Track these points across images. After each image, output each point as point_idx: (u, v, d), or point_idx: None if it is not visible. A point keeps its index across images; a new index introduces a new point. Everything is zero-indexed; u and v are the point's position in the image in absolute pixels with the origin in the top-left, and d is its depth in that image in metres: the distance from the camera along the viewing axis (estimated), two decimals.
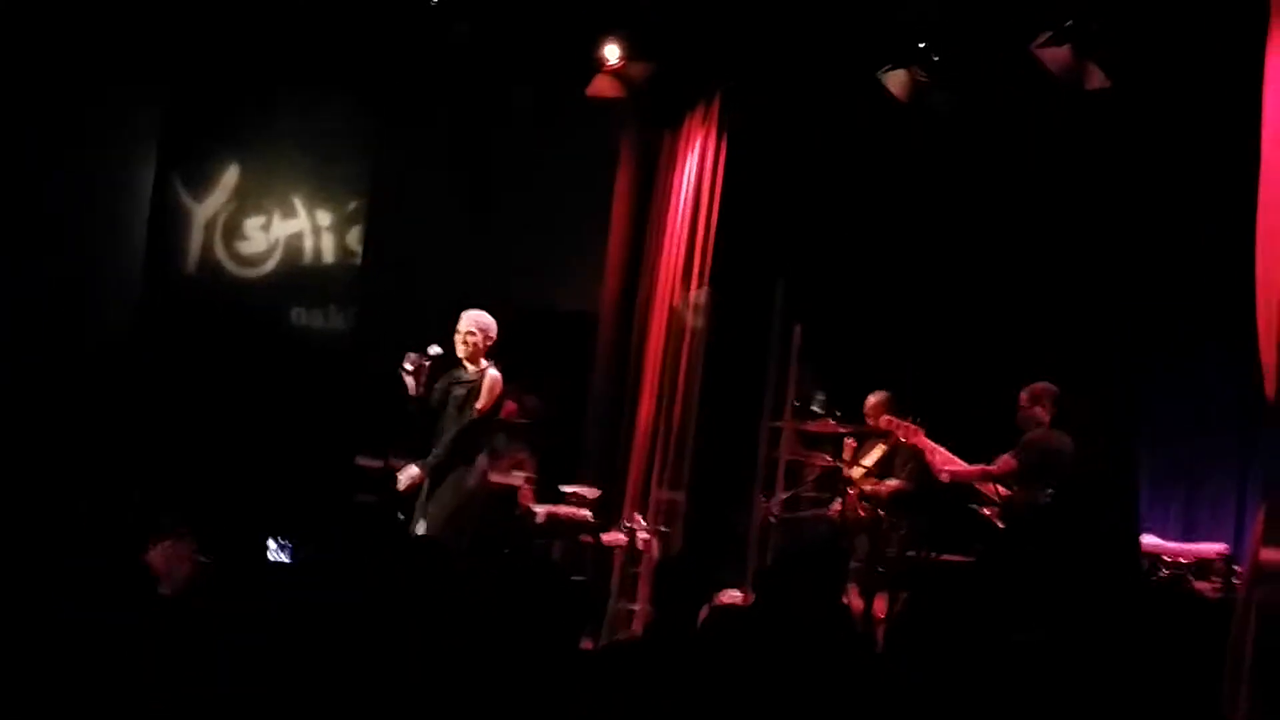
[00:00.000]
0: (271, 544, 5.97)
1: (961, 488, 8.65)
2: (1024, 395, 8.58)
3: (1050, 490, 8.19)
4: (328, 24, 10.11)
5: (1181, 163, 9.15)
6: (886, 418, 8.99)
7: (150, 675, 3.49)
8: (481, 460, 8.53)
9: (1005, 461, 8.50)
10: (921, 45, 9.06)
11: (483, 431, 8.55)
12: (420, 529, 8.34)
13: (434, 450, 8.44)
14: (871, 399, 9.32)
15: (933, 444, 8.66)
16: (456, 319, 8.64)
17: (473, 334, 8.49)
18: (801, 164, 10.20)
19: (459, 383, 8.52)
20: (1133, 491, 8.40)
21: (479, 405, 8.44)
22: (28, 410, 9.54)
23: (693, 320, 9.82)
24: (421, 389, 8.47)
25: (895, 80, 9.20)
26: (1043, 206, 9.73)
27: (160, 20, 10.17)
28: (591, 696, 4.55)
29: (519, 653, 4.55)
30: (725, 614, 5.24)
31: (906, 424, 8.76)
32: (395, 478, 8.46)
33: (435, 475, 8.40)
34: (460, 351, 8.50)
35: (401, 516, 8.51)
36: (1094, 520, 8.14)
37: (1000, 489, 8.50)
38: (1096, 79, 8.40)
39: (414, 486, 8.42)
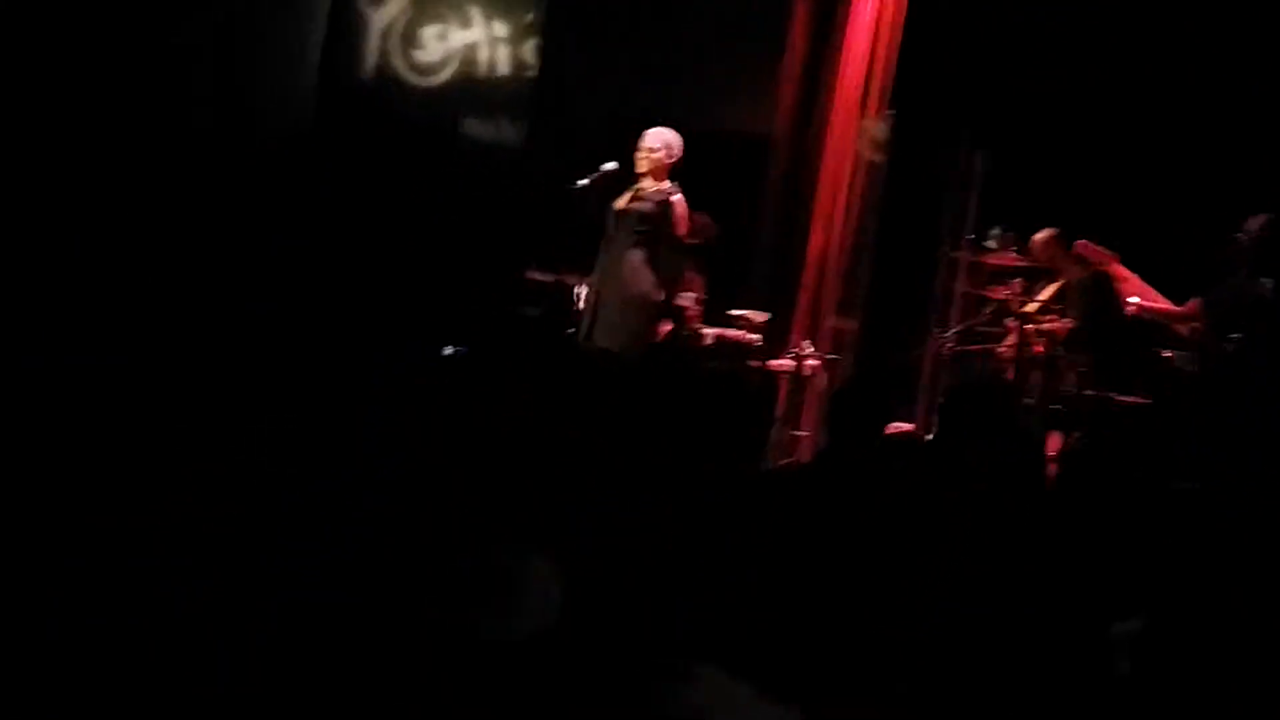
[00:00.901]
0: (447, 350, 6.01)
1: (1145, 326, 8.37)
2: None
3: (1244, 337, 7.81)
4: None
5: None
6: (1080, 241, 8.69)
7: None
8: (652, 277, 8.48)
9: (1193, 305, 8.13)
10: None
11: (681, 251, 8.51)
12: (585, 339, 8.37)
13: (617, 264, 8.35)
14: (1039, 236, 9.07)
15: (1127, 271, 8.35)
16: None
17: (655, 150, 8.42)
18: None
19: (640, 199, 8.45)
20: None
21: (678, 230, 8.37)
22: (206, 217, 9.65)
23: (871, 145, 9.60)
24: (596, 202, 8.43)
25: None
26: (1247, 40, 9.31)
27: None
28: (763, 518, 4.52)
29: (697, 468, 4.53)
30: (899, 442, 5.16)
31: (1102, 250, 8.48)
32: (567, 289, 8.47)
33: (608, 287, 8.38)
34: (642, 167, 8.43)
35: (570, 330, 8.52)
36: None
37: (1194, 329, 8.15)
38: None
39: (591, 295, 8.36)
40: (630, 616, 2.79)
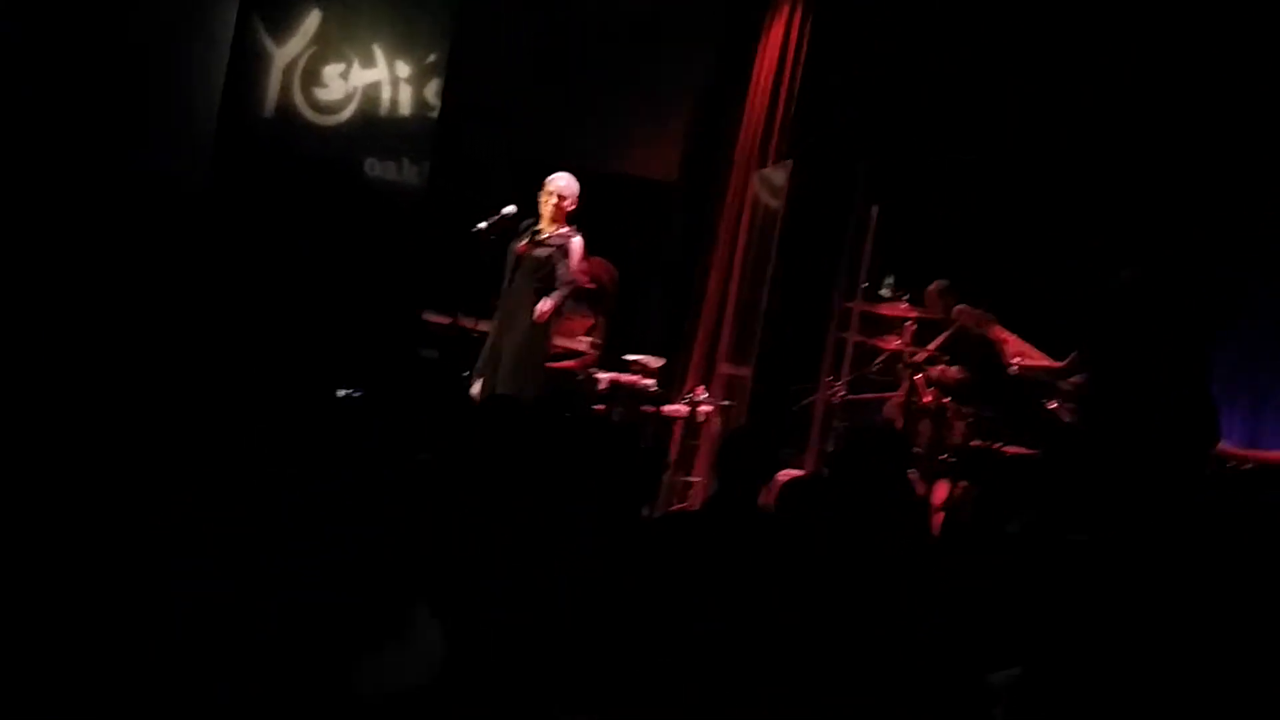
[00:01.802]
0: (340, 393, 6.02)
1: (1032, 379, 8.51)
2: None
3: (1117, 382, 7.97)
4: None
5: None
6: (959, 307, 8.87)
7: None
8: (553, 322, 8.53)
9: (1073, 361, 8.29)
10: None
11: (572, 295, 8.58)
12: (477, 388, 8.39)
13: (556, 291, 8.40)
14: (932, 286, 9.22)
15: (1006, 333, 8.51)
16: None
17: (554, 195, 8.48)
18: (889, 40, 10.02)
19: (538, 244, 8.50)
20: (1206, 397, 8.21)
21: (574, 272, 8.45)
22: (101, 247, 9.58)
23: (769, 195, 9.72)
24: (493, 243, 8.47)
25: None
26: (1136, 93, 9.52)
27: None
28: (651, 563, 4.56)
29: (582, 514, 4.57)
30: (796, 486, 5.21)
31: (980, 312, 8.63)
32: (464, 332, 8.50)
33: (505, 330, 8.41)
34: (547, 210, 8.48)
35: (466, 374, 8.54)
36: (1162, 425, 7.99)
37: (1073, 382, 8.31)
38: None
39: (546, 315, 8.39)
40: (513, 668, 2.81)
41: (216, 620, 2.63)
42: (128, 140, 10.17)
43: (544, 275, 8.46)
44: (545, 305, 8.36)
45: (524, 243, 8.52)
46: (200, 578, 2.74)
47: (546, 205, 8.51)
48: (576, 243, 8.51)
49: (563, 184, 8.54)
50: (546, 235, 8.52)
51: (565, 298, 8.53)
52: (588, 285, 9.16)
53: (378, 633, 2.70)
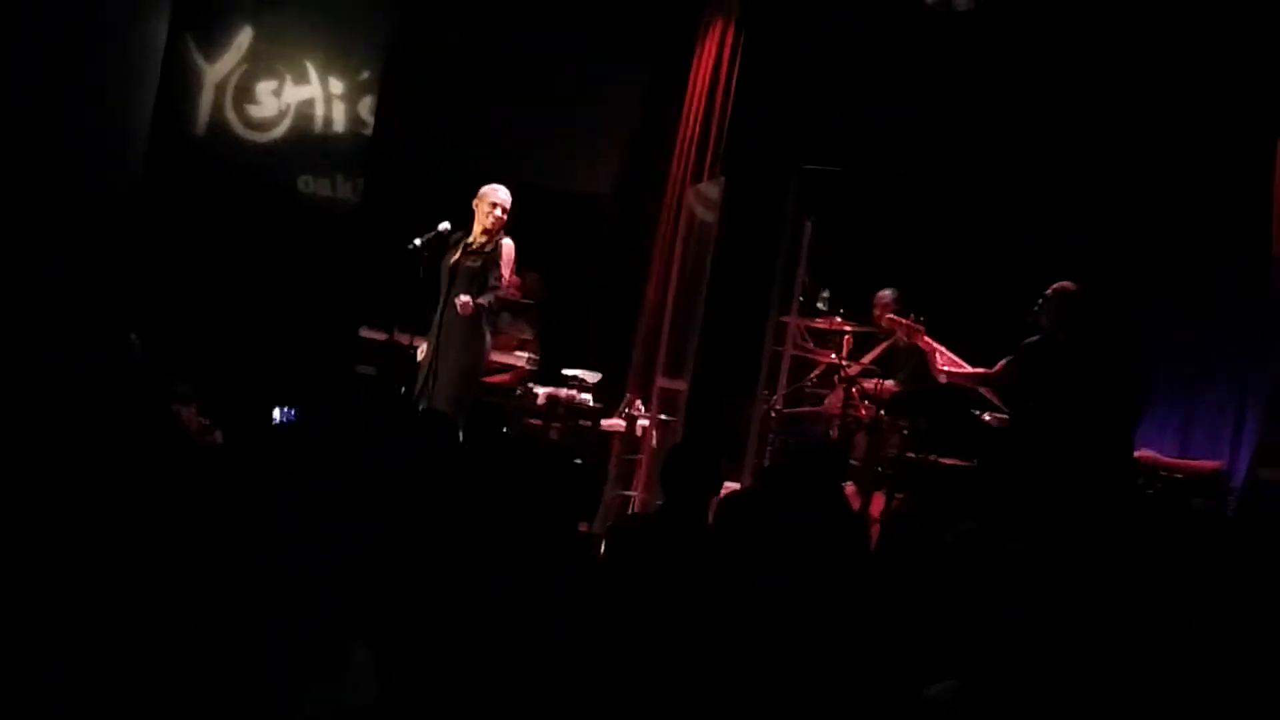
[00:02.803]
0: (276, 412, 5.98)
1: (965, 390, 8.57)
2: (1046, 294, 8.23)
3: (1046, 395, 8.05)
4: None
5: (1200, 71, 9.09)
6: (890, 316, 8.93)
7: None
8: (486, 334, 8.51)
9: (1003, 367, 8.32)
10: None
11: (503, 304, 8.57)
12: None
13: (486, 295, 8.38)
14: (881, 296, 9.27)
15: (934, 344, 8.57)
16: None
17: (504, 207, 8.47)
18: (819, 56, 10.10)
19: (471, 254, 8.48)
20: (1134, 405, 8.32)
21: (504, 275, 8.44)
22: (31, 264, 9.49)
23: (703, 210, 9.75)
24: (430, 260, 8.44)
25: None
26: (1059, 109, 9.64)
27: None
28: (594, 578, 4.57)
29: (520, 530, 4.57)
30: (734, 500, 5.24)
31: (909, 322, 8.69)
32: (401, 348, 8.47)
33: (441, 345, 8.37)
34: (485, 222, 8.46)
35: (402, 389, 8.51)
36: (1089, 431, 8.08)
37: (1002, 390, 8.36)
38: None
39: (469, 307, 8.35)
40: (449, 694, 2.81)
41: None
42: (59, 155, 10.07)
43: (479, 285, 8.43)
44: (465, 299, 8.28)
45: (456, 255, 8.49)
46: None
47: (488, 216, 8.48)
48: (507, 245, 8.48)
49: (504, 195, 8.53)
50: (477, 245, 8.50)
51: (495, 300, 8.46)
52: (516, 296, 9.15)
53: (313, 663, 2.69)
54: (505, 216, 8.51)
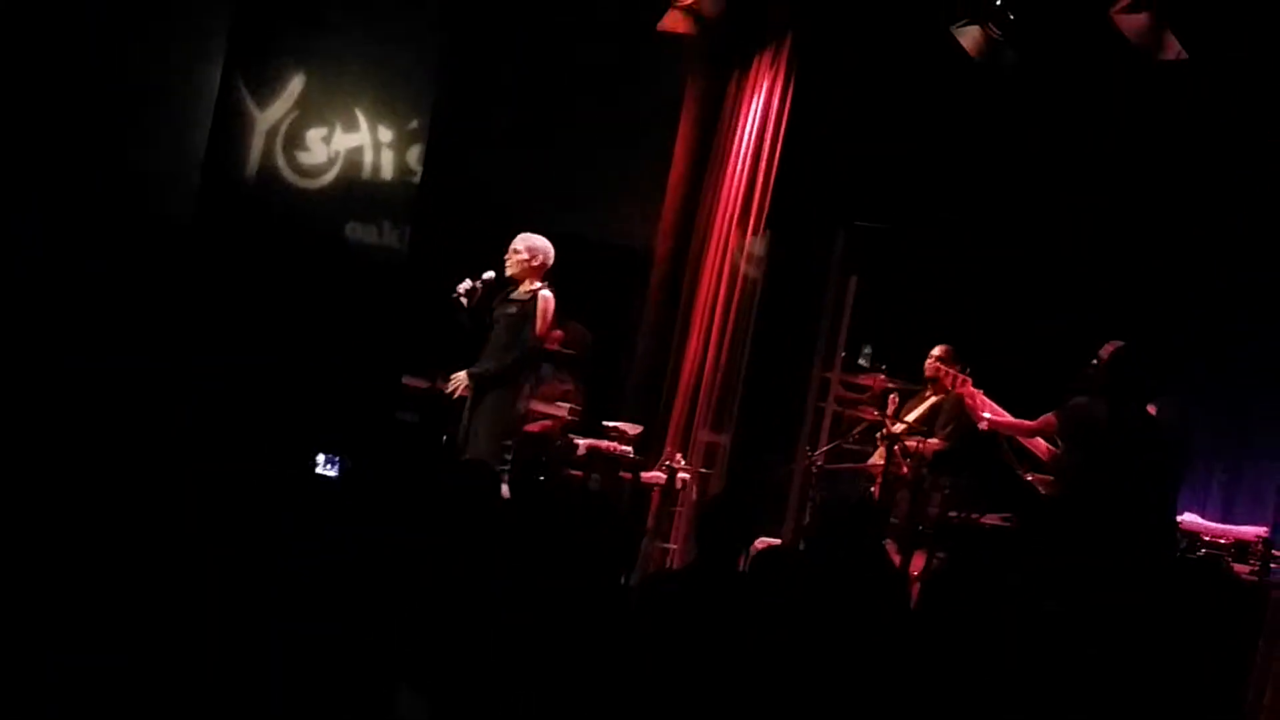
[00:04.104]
0: (320, 458, 6.00)
1: (1003, 448, 8.52)
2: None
3: (1089, 457, 7.99)
4: None
5: (1251, 140, 9.08)
6: (936, 364, 8.89)
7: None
8: (526, 383, 8.52)
9: (1047, 420, 8.24)
10: (998, 2, 9.01)
11: (536, 355, 8.54)
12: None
13: (485, 362, 8.42)
14: (935, 351, 9.22)
15: (977, 392, 8.52)
16: (509, 242, 8.66)
17: (519, 252, 8.48)
18: (868, 113, 10.13)
19: (510, 302, 8.52)
20: (1176, 469, 8.26)
21: (537, 328, 8.44)
22: (83, 308, 9.57)
23: (747, 263, 9.77)
24: (472, 308, 8.48)
25: (968, 35, 9.15)
26: (1106, 170, 9.65)
27: None
28: (631, 629, 4.57)
29: (561, 581, 4.57)
30: (771, 555, 5.24)
31: (954, 372, 8.66)
32: (442, 393, 8.49)
33: (479, 392, 8.39)
34: (509, 269, 8.50)
35: (445, 437, 8.53)
36: (1132, 493, 8.03)
37: (1046, 448, 8.29)
38: (1173, 50, 8.33)
39: (461, 393, 8.40)
40: None
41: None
42: (112, 196, 10.16)
43: (515, 334, 8.46)
44: (459, 375, 8.39)
45: (498, 302, 8.55)
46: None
47: (510, 264, 8.53)
48: (545, 298, 8.49)
49: (526, 243, 8.55)
50: (516, 294, 8.54)
51: (523, 359, 8.45)
52: (553, 349, 9.17)
53: (362, 711, 2.70)
54: (534, 262, 8.49)
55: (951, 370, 8.70)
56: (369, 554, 3.91)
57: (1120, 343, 7.96)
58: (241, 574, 3.48)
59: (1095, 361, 7.94)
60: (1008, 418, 8.45)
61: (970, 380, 8.58)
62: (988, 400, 8.50)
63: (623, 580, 5.51)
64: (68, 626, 2.67)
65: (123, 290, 9.91)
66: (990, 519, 8.44)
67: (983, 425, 8.41)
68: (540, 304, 8.47)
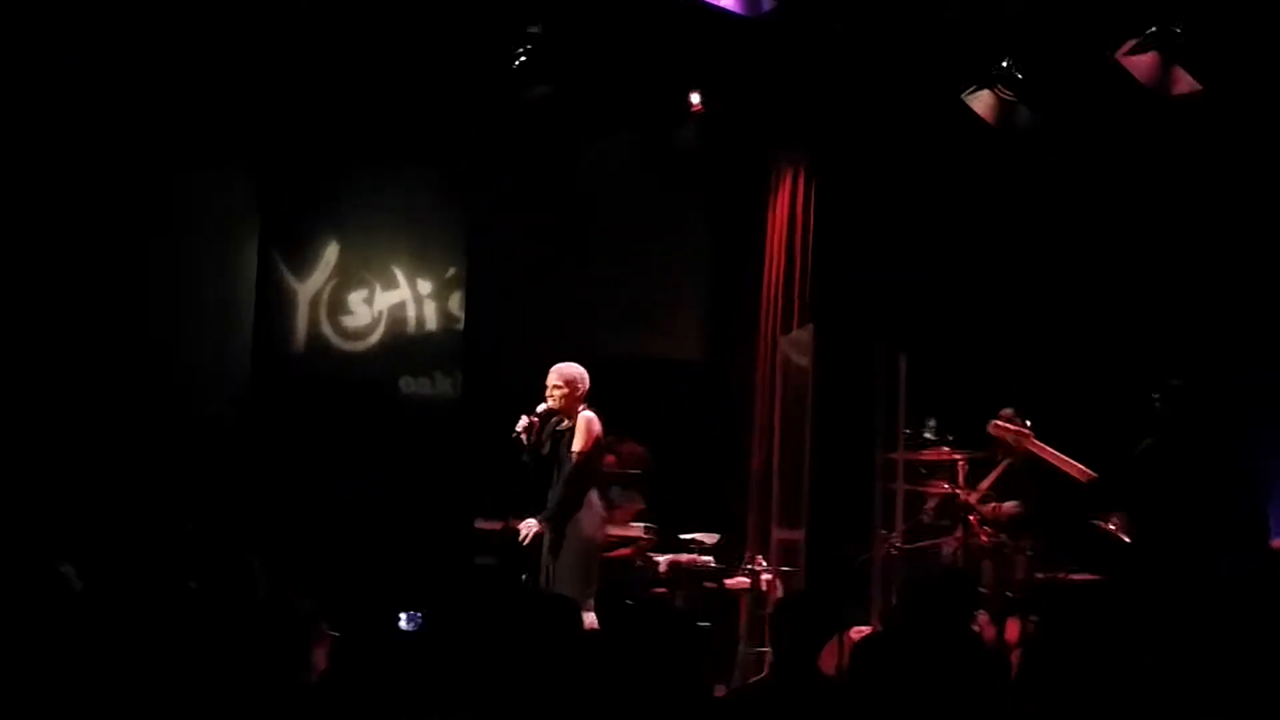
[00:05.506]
0: (403, 617, 6.01)
1: (1080, 502, 8.48)
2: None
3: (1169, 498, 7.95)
4: (411, 95, 10.30)
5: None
6: (996, 424, 8.86)
7: None
8: (597, 509, 8.53)
9: (1121, 470, 8.19)
10: (1004, 63, 9.07)
11: (589, 475, 8.53)
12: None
13: (549, 504, 8.47)
14: (1004, 413, 9.18)
15: (1043, 445, 8.48)
16: None
17: (558, 386, 8.50)
18: (893, 195, 10.22)
19: (558, 431, 8.55)
20: (1260, 499, 8.17)
21: (576, 448, 8.44)
22: (144, 505, 9.66)
23: (797, 359, 9.80)
24: (532, 446, 8.52)
25: (980, 102, 9.21)
26: (1141, 215, 9.67)
27: (249, 103, 10.37)
28: None
29: (653, 704, 4.58)
30: (869, 643, 5.20)
31: (1015, 428, 8.65)
32: (516, 533, 8.52)
33: (554, 529, 8.41)
34: (551, 404, 8.54)
35: (524, 576, 8.55)
36: (1219, 530, 7.96)
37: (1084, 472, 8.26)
38: (1185, 84, 8.36)
39: (535, 538, 8.44)
40: None
41: None
42: (164, 385, 10.30)
43: (569, 459, 8.49)
44: (528, 524, 8.44)
45: (548, 437, 8.57)
46: None
47: (554, 398, 8.55)
48: (584, 418, 8.47)
49: (561, 374, 8.57)
50: (564, 425, 8.57)
51: (574, 479, 8.45)
52: (630, 472, 9.19)
53: None
54: (565, 394, 8.50)
55: (1011, 427, 8.69)
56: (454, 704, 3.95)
57: (1178, 380, 7.96)
58: None
59: (1160, 394, 7.94)
60: (1072, 466, 8.45)
61: (1032, 434, 8.58)
62: (1053, 451, 8.49)
63: (720, 690, 5.50)
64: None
65: (184, 473, 10.01)
66: (1077, 575, 8.38)
67: (1084, 479, 8.39)
68: (581, 424, 8.47)
